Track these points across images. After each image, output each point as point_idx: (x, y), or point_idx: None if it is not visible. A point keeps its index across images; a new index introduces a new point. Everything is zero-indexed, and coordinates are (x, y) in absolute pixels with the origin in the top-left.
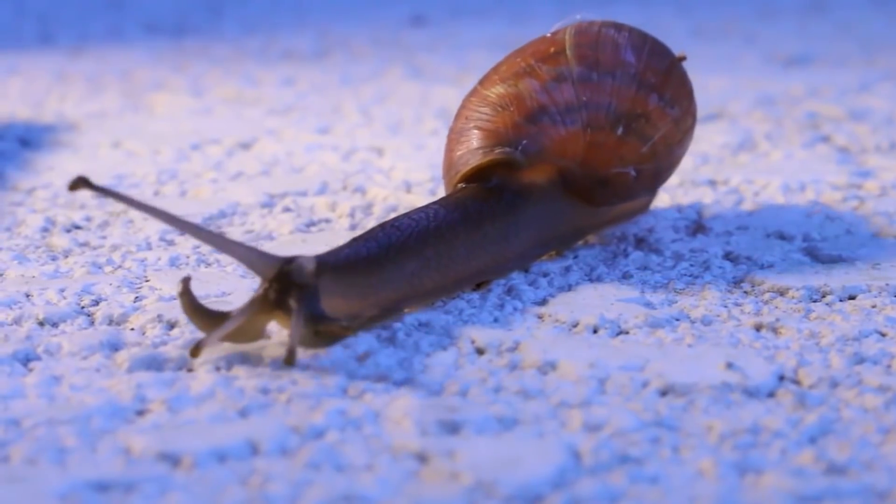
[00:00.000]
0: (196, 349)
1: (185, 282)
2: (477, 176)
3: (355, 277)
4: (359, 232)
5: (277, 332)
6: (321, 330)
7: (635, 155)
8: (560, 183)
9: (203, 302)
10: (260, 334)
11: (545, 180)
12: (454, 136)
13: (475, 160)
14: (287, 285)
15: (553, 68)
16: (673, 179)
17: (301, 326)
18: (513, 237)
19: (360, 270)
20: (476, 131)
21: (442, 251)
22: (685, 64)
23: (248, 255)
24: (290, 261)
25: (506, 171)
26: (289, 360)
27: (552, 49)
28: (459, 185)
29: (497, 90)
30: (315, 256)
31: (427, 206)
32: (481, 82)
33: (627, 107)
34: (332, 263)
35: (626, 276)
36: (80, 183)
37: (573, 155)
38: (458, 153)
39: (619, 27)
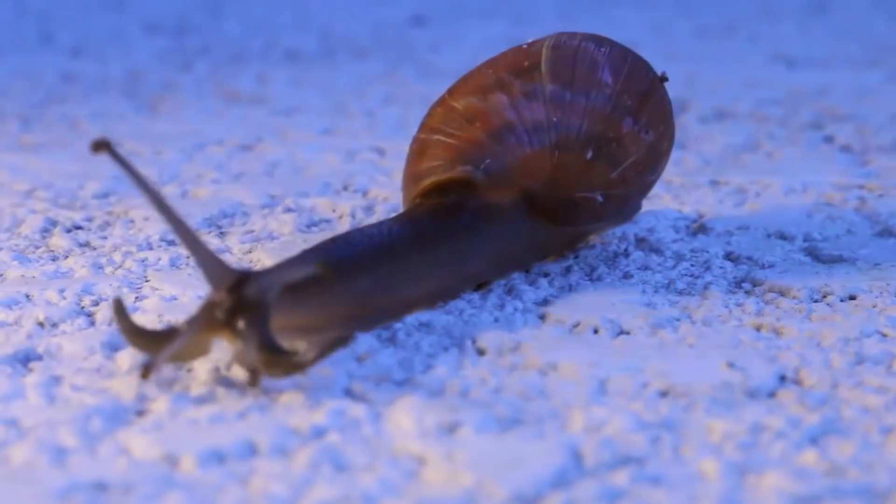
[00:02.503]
0: (146, 370)
1: (118, 302)
2: (436, 192)
3: (301, 293)
4: None
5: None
6: (272, 360)
7: (604, 180)
8: (523, 203)
9: (143, 323)
10: (206, 351)
11: (508, 200)
12: (415, 147)
13: (434, 176)
14: (239, 303)
15: (525, 84)
16: (674, 179)
17: (254, 352)
18: (469, 260)
19: (307, 285)
20: (438, 145)
21: (395, 269)
22: (668, 84)
23: (205, 259)
24: (245, 277)
25: (466, 190)
26: (253, 382)
27: (526, 63)
28: (417, 201)
29: (464, 102)
30: (268, 271)
31: (381, 223)
32: (449, 91)
33: (599, 130)
34: (285, 281)
35: (626, 276)
36: (103, 146)
37: (538, 176)
38: (418, 167)
39: (599, 42)
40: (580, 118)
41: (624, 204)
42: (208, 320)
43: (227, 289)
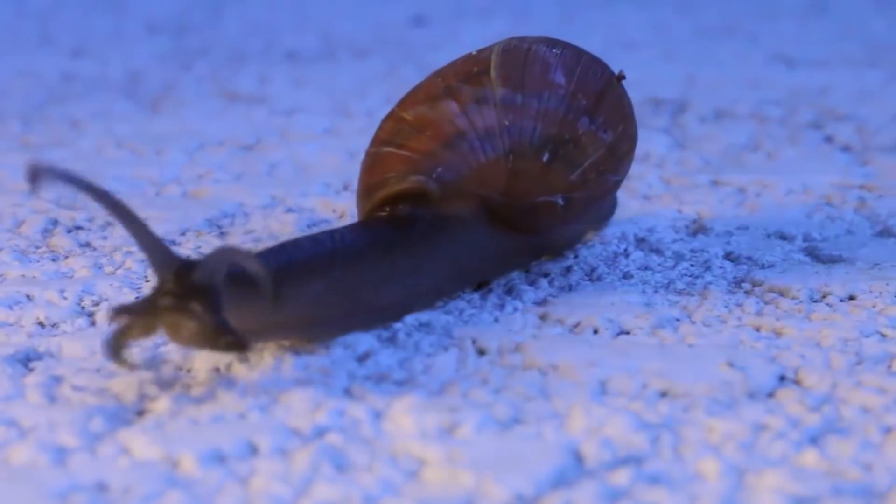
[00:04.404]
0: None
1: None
2: (390, 204)
3: (250, 294)
4: None
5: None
6: (220, 335)
7: (563, 183)
8: (483, 212)
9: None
10: (150, 332)
11: (465, 210)
12: (367, 161)
13: (386, 188)
14: (188, 288)
15: (475, 89)
16: (674, 179)
17: (210, 334)
18: (426, 271)
19: (256, 287)
20: (389, 157)
21: (349, 275)
22: (625, 83)
23: (151, 246)
24: (191, 263)
25: (420, 201)
26: (241, 348)
27: (475, 68)
28: (372, 214)
29: (413, 112)
30: (211, 255)
31: (334, 229)
32: (399, 103)
33: (554, 132)
34: (234, 274)
35: (626, 276)
36: (39, 174)
37: (494, 183)
38: (370, 180)
39: (552, 44)
40: (533, 121)
41: (587, 207)
42: (153, 305)
43: (175, 274)
